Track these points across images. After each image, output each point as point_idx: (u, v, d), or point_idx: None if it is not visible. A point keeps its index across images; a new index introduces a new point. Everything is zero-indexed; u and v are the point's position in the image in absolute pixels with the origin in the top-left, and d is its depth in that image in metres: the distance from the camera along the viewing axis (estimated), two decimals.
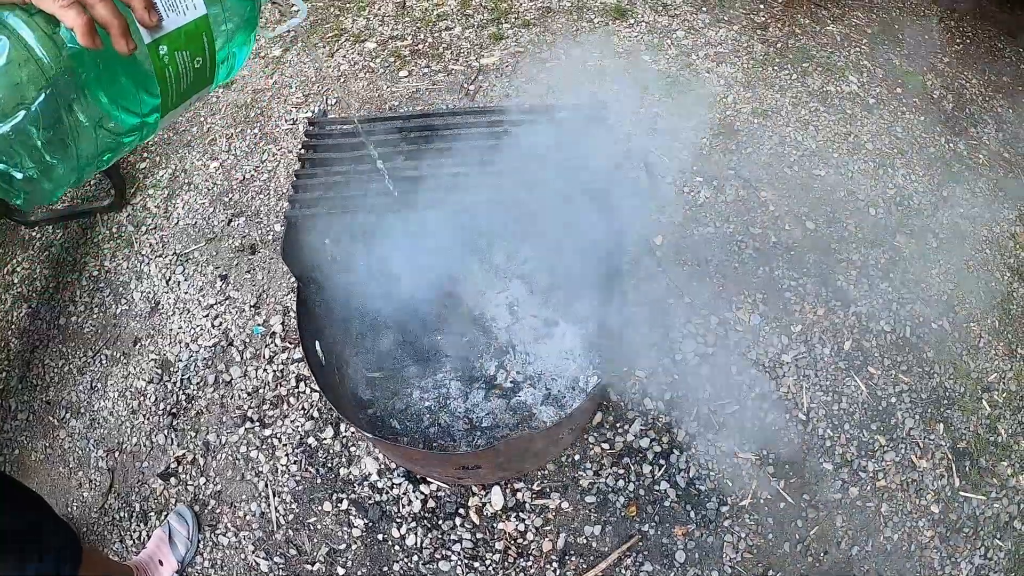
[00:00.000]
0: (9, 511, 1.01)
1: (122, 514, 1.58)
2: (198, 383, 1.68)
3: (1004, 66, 2.29)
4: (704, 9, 2.37)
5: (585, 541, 1.39)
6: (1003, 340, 1.68)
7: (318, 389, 1.60)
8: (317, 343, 1.34)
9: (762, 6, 2.41)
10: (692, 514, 1.42)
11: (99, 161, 0.55)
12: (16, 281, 1.96)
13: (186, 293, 1.82)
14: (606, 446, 1.48)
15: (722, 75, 2.14)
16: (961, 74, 2.22)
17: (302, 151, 1.35)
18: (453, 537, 1.39)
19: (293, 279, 1.77)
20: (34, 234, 2.04)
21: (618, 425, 1.50)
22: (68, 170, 0.52)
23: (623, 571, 1.37)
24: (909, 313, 1.71)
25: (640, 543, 1.39)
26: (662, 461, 1.47)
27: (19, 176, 0.49)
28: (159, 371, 1.72)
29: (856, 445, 1.53)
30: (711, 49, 2.22)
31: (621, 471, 1.45)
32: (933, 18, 2.40)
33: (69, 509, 1.60)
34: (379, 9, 2.45)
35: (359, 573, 1.40)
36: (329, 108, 2.15)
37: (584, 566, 1.37)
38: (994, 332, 1.70)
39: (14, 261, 2.01)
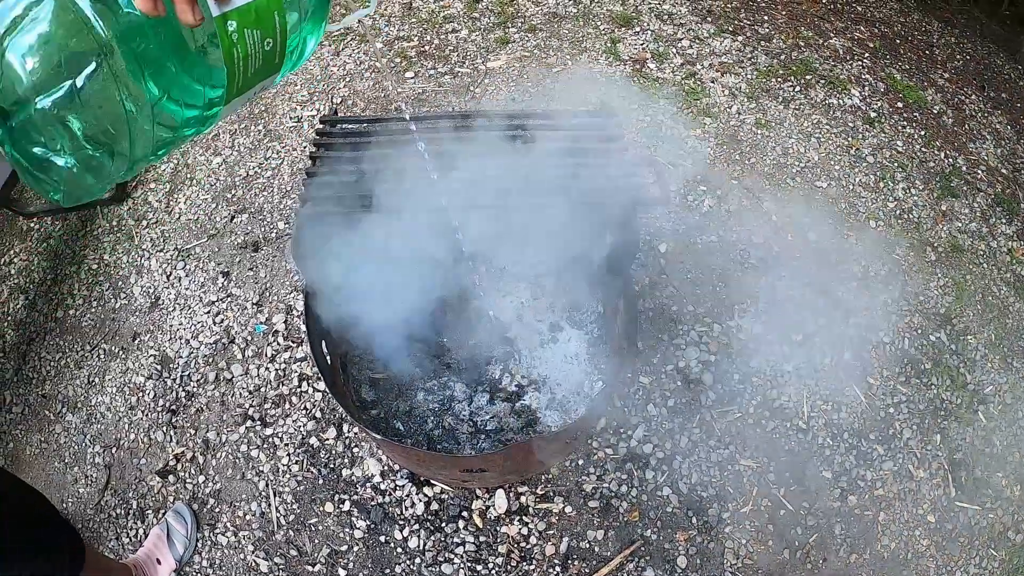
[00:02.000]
0: (11, 511, 0.99)
1: (119, 511, 1.56)
2: (198, 380, 1.67)
3: (1003, 83, 2.34)
4: (709, 19, 2.39)
5: (588, 545, 1.40)
6: (999, 353, 1.71)
7: (323, 389, 1.59)
8: (323, 343, 1.33)
9: (766, 18, 2.43)
10: (694, 520, 1.43)
11: (151, 156, 0.51)
12: (13, 272, 1.94)
13: (187, 289, 1.81)
14: (609, 451, 1.48)
15: (726, 85, 2.16)
16: (961, 90, 2.26)
17: (313, 149, 1.35)
18: (456, 540, 1.39)
19: (297, 278, 1.77)
20: (32, 225, 2.02)
21: (621, 430, 1.51)
22: (115, 163, 0.47)
23: None
24: (908, 325, 1.73)
25: (642, 548, 1.40)
26: (664, 467, 1.47)
27: (60, 164, 0.44)
28: (158, 367, 1.71)
29: (855, 454, 1.55)
30: (715, 59, 2.24)
31: (624, 476, 1.46)
32: (934, 34, 2.44)
33: (64, 505, 1.57)
34: (385, 9, 2.45)
35: (361, 575, 1.39)
36: (337, 107, 2.14)
37: (587, 570, 1.37)
38: (990, 345, 1.72)
39: (11, 252, 1.99)
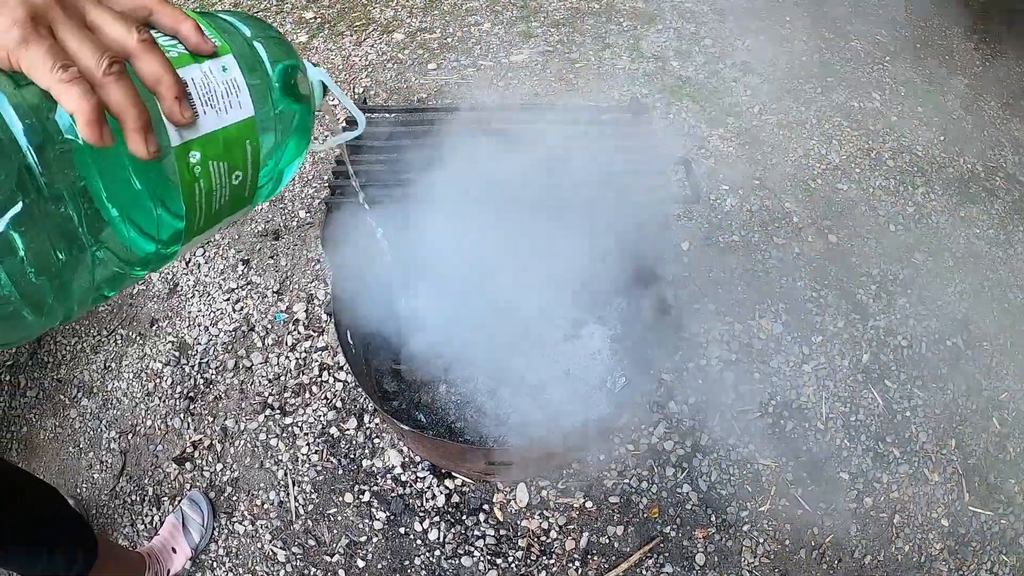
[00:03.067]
0: (24, 506, 0.98)
1: (134, 497, 1.55)
2: (217, 367, 1.66)
3: (1021, 90, 2.34)
4: (731, 18, 2.39)
5: (607, 541, 1.40)
6: (1015, 360, 1.72)
7: (343, 379, 1.59)
8: (348, 332, 1.33)
9: (788, 18, 2.43)
10: (713, 518, 1.43)
11: (95, 296, 0.41)
12: None
13: (206, 276, 1.80)
14: (631, 447, 1.49)
15: (748, 85, 2.16)
16: (980, 96, 2.27)
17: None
18: (476, 533, 1.39)
19: (319, 266, 1.76)
20: None
21: (643, 427, 1.51)
22: (56, 302, 0.38)
23: (644, 572, 1.38)
24: (925, 329, 1.74)
25: (661, 544, 1.40)
26: (685, 464, 1.48)
27: None
28: (176, 353, 1.70)
29: (872, 456, 1.55)
30: (738, 58, 2.23)
31: (645, 473, 1.46)
32: (954, 39, 2.44)
33: (78, 490, 1.57)
34: (408, 0, 2.43)
35: (379, 566, 1.39)
36: (364, 96, 2.13)
37: (606, 566, 1.38)
38: (1006, 352, 1.73)
39: None
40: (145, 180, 0.38)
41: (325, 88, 0.54)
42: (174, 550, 1.40)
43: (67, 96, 0.32)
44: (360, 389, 1.52)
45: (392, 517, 1.43)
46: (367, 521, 1.43)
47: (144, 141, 0.35)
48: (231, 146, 0.42)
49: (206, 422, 1.60)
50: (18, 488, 0.99)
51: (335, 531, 1.43)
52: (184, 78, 0.39)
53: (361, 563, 1.40)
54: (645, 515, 1.43)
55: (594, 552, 1.39)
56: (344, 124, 1.33)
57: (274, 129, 0.47)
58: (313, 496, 1.47)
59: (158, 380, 1.67)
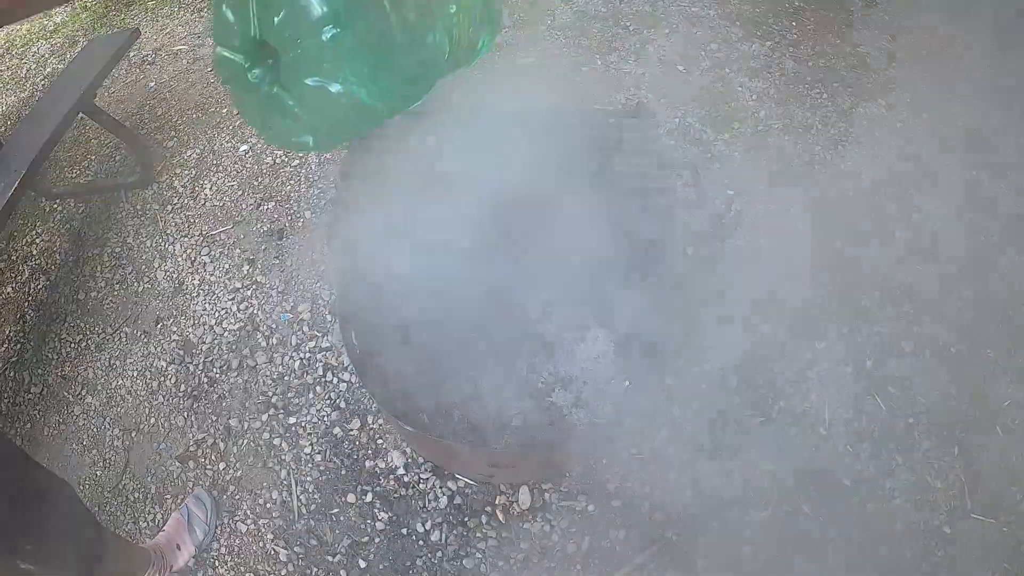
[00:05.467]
0: (31, 494, 0.99)
1: (136, 495, 1.56)
2: (221, 366, 1.67)
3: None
4: (738, 23, 2.39)
5: (609, 544, 1.40)
6: (1018, 368, 1.72)
7: (348, 380, 1.59)
8: (353, 333, 1.33)
9: (794, 23, 2.43)
10: (715, 523, 1.43)
11: (407, 90, 0.58)
12: (35, 253, 1.93)
13: (211, 275, 1.81)
14: (634, 451, 1.49)
15: (754, 90, 2.17)
16: (984, 103, 2.26)
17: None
18: (478, 535, 1.40)
19: (324, 267, 1.76)
20: (55, 207, 2.01)
21: (646, 431, 1.51)
22: (382, 90, 0.54)
23: None
24: (929, 336, 1.74)
25: (663, 549, 1.40)
26: (687, 468, 1.48)
27: (334, 91, 0.51)
28: (181, 352, 1.70)
29: (874, 463, 1.55)
30: (744, 63, 2.24)
31: (647, 476, 1.46)
32: (960, 46, 2.44)
33: (81, 487, 1.58)
34: None
35: (381, 567, 1.39)
36: None
37: (607, 569, 1.38)
38: (1010, 360, 1.73)
39: (33, 232, 1.98)
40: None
41: None
42: (178, 547, 1.40)
43: None
44: (364, 390, 1.52)
45: (394, 518, 1.43)
46: (369, 522, 1.43)
47: None
48: None
49: (209, 421, 1.60)
50: (28, 478, 0.99)
51: (337, 531, 1.44)
52: None
53: (363, 563, 1.40)
54: (647, 519, 1.43)
55: (596, 556, 1.39)
56: None
57: None
58: (316, 496, 1.48)
59: (162, 378, 1.67)
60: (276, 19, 0.51)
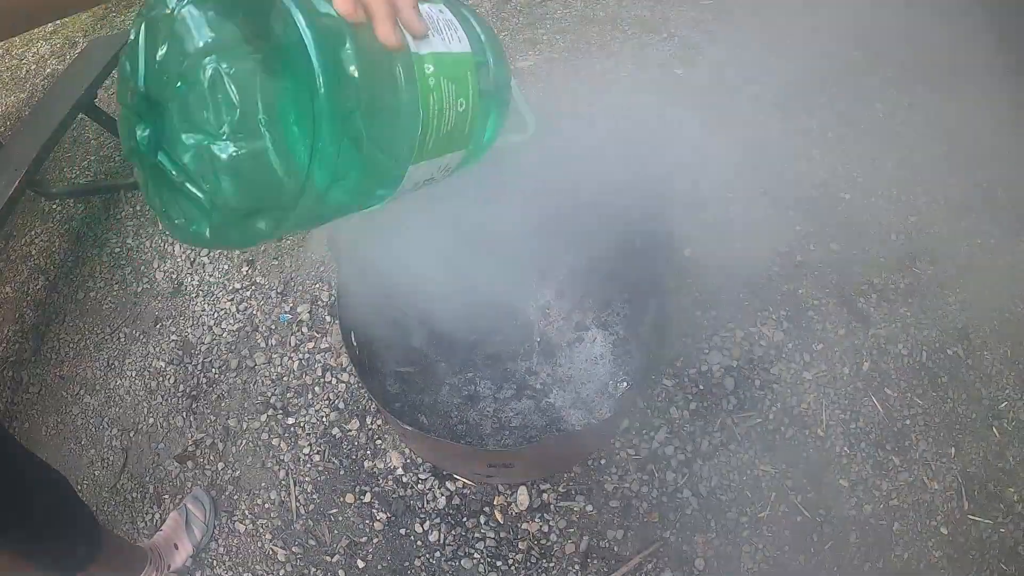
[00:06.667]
0: (28, 488, 0.99)
1: (135, 495, 1.56)
2: (220, 367, 1.67)
3: None
4: (736, 27, 2.41)
5: (607, 544, 1.40)
6: (1015, 370, 1.73)
7: (347, 380, 1.59)
8: (352, 334, 1.33)
9: (792, 27, 2.44)
10: (712, 523, 1.44)
11: (358, 199, 0.46)
12: (34, 253, 1.94)
13: (211, 276, 1.81)
14: (631, 451, 1.49)
15: (752, 94, 2.18)
16: (983, 109, 2.28)
17: None
18: (477, 535, 1.40)
19: (323, 268, 1.77)
20: (55, 207, 2.01)
21: (644, 432, 1.52)
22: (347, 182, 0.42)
23: None
24: (926, 338, 1.75)
25: (661, 549, 1.41)
26: (685, 469, 1.48)
27: (223, 157, 0.37)
28: (180, 352, 1.71)
29: (871, 464, 1.56)
30: (742, 67, 2.25)
31: (645, 477, 1.47)
32: (959, 49, 2.45)
33: (80, 487, 1.58)
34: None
35: (379, 567, 1.40)
36: None
37: (605, 569, 1.38)
38: (1006, 361, 1.74)
39: (32, 232, 1.98)
40: (389, 97, 0.43)
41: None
42: (176, 546, 1.41)
43: None
44: (364, 390, 1.53)
45: (393, 518, 1.43)
46: (368, 522, 1.43)
47: (392, 30, 0.42)
48: (457, 69, 0.47)
49: (208, 421, 1.60)
50: (25, 471, 1.00)
51: (336, 531, 1.44)
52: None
53: (361, 564, 1.40)
54: (645, 519, 1.43)
55: (594, 556, 1.39)
56: None
57: (483, 81, 0.51)
58: (314, 496, 1.48)
59: (161, 378, 1.68)
60: (158, 56, 0.39)
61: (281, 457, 1.53)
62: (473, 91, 0.50)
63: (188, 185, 0.41)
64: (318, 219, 0.46)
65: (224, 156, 0.39)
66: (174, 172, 0.41)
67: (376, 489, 1.46)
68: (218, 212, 0.41)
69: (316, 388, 1.60)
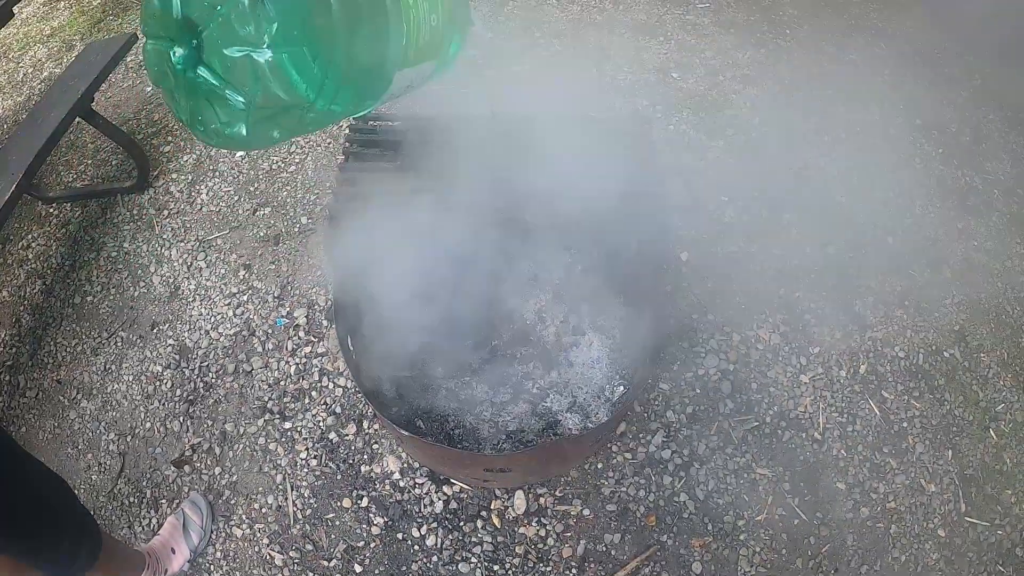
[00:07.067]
0: (27, 492, 0.99)
1: (131, 500, 1.55)
2: (217, 371, 1.67)
3: (1022, 104, 2.35)
4: (732, 31, 2.41)
5: (604, 548, 1.40)
6: (1011, 372, 1.73)
7: (343, 385, 1.59)
8: (349, 338, 1.33)
9: (788, 31, 2.45)
10: (709, 527, 1.44)
11: (354, 72, 0.55)
12: (31, 257, 1.93)
13: (208, 280, 1.81)
14: (628, 455, 1.49)
15: (749, 97, 2.18)
16: (978, 109, 2.28)
17: (347, 144, 1.36)
18: (474, 539, 1.40)
19: (320, 272, 1.77)
20: (51, 211, 2.01)
21: (641, 436, 1.52)
22: (329, 92, 0.52)
23: None
24: (922, 341, 1.75)
25: (658, 553, 1.40)
26: (682, 473, 1.48)
27: (261, 60, 0.48)
28: (177, 357, 1.70)
29: (868, 467, 1.56)
30: (738, 71, 2.25)
31: (642, 481, 1.47)
32: (952, 52, 2.46)
33: (76, 491, 1.56)
34: None
35: (376, 571, 1.39)
36: None
37: (603, 573, 1.38)
38: (1003, 363, 1.74)
39: (29, 236, 1.98)
40: (381, 15, 0.54)
41: None
42: (173, 551, 1.40)
43: None
44: (360, 394, 1.52)
45: (390, 523, 1.43)
46: (365, 527, 1.43)
47: None
48: None
49: (205, 425, 1.60)
50: (27, 475, 0.99)
51: (333, 536, 1.44)
52: None
53: (358, 568, 1.40)
54: (642, 523, 1.43)
55: (591, 560, 1.39)
56: None
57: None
58: (311, 501, 1.47)
59: (158, 383, 1.67)
60: None
61: (278, 462, 1.53)
62: (443, 9, 0.62)
63: (229, 92, 0.51)
64: (331, 116, 0.57)
65: (264, 61, 0.49)
66: (216, 82, 0.51)
67: (373, 494, 1.46)
68: (256, 111, 0.52)
69: (313, 393, 1.60)
